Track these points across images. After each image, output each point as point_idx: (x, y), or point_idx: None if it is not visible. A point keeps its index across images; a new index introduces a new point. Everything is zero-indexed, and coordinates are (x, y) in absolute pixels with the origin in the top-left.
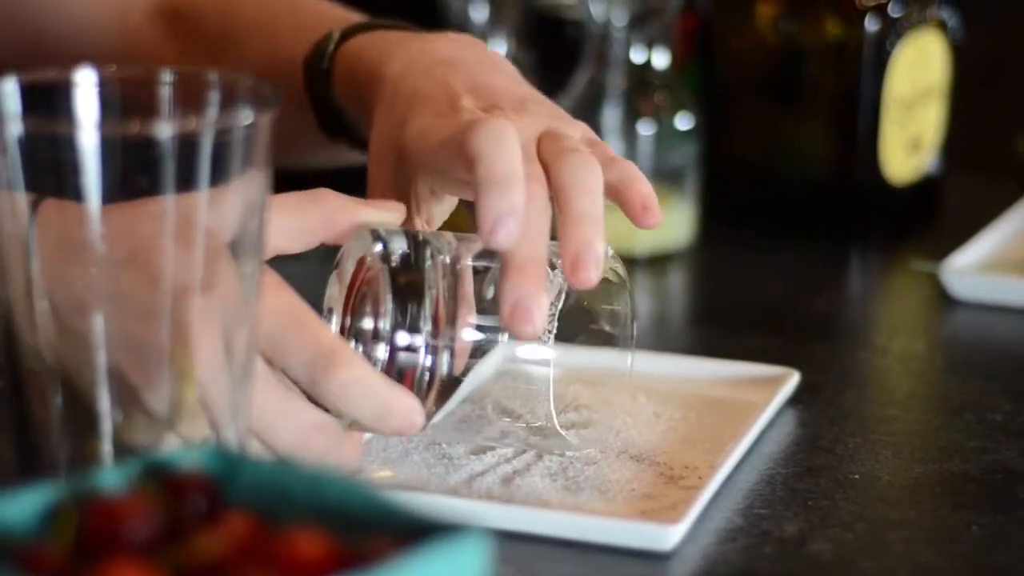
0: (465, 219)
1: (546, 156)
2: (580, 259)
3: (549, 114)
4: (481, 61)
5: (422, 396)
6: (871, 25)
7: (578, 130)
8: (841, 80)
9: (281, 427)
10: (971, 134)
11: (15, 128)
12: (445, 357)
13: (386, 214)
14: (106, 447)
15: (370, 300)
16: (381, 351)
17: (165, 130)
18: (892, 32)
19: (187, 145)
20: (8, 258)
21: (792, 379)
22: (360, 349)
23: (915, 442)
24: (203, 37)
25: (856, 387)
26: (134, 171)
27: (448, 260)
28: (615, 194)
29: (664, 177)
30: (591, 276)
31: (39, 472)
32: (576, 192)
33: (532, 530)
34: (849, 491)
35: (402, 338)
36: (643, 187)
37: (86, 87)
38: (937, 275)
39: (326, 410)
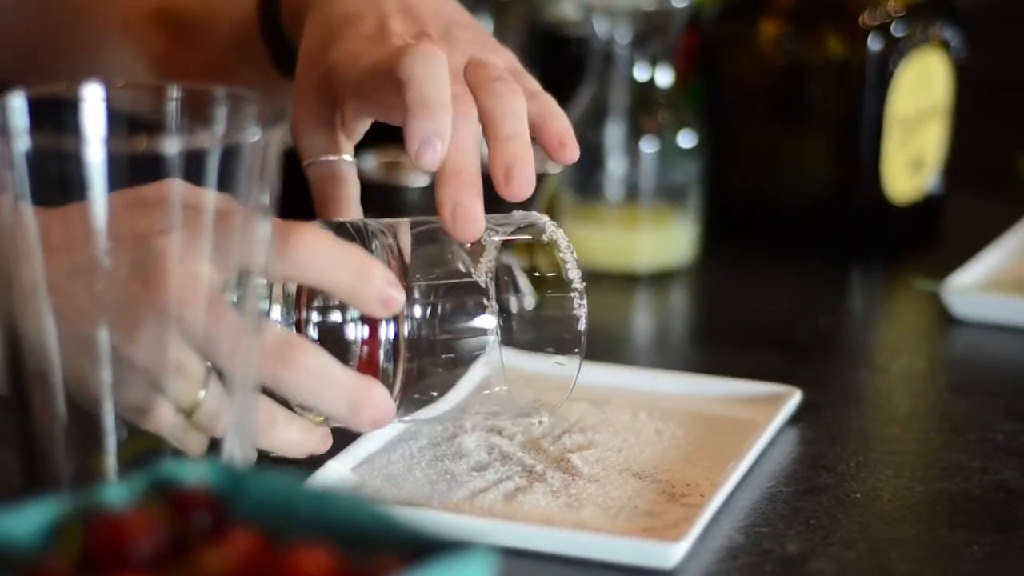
0: None
1: (472, 83)
2: (511, 173)
3: (476, 42)
4: None
5: (390, 383)
6: (874, 44)
7: (503, 58)
8: (843, 99)
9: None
10: (973, 154)
11: (22, 142)
12: (407, 327)
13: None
14: (111, 462)
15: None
16: (351, 332)
17: (172, 146)
18: (895, 51)
19: (194, 161)
20: (14, 271)
21: (794, 397)
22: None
23: (916, 461)
24: (187, 29)
25: (857, 406)
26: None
27: (392, 242)
28: (533, 128)
29: (666, 195)
30: (524, 189)
31: (44, 487)
32: (503, 117)
33: (535, 547)
34: (850, 510)
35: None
36: (560, 122)
37: (93, 102)
38: (938, 294)
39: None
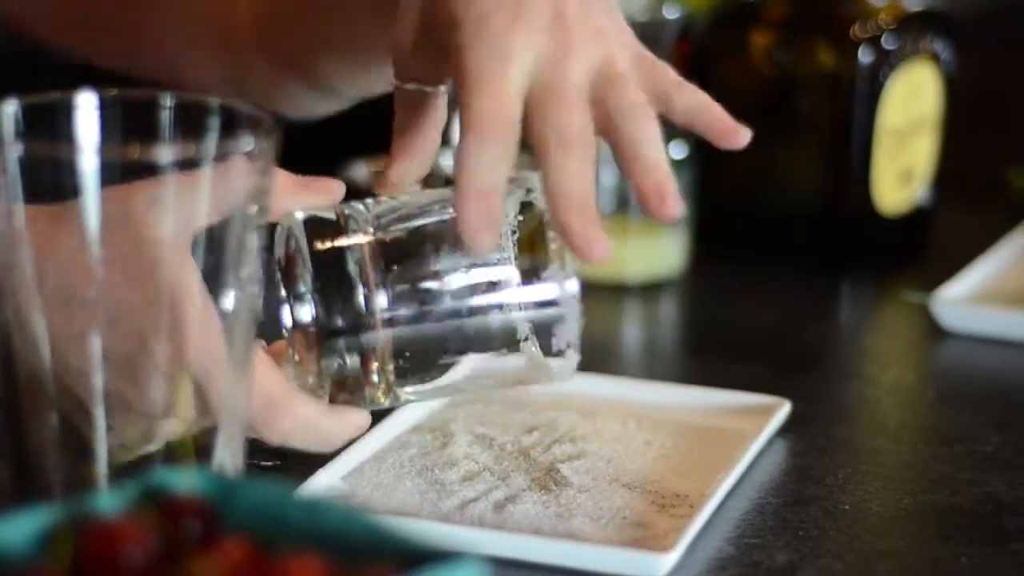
0: None
1: (606, 105)
2: (664, 195)
3: (609, 28)
4: None
5: (368, 382)
6: (864, 57)
7: (630, 45)
8: (834, 111)
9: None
10: (963, 166)
11: (15, 150)
12: (381, 333)
13: (321, 197)
14: (102, 470)
15: (303, 287)
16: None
17: (165, 155)
18: (885, 64)
19: (187, 170)
20: (5, 279)
21: (783, 409)
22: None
23: (905, 473)
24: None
25: (846, 418)
26: None
27: (373, 232)
28: (688, 123)
29: None
30: (678, 208)
31: (35, 495)
32: (643, 142)
33: (524, 557)
34: (839, 521)
35: (334, 323)
36: (716, 111)
37: (87, 110)
38: (928, 306)
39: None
